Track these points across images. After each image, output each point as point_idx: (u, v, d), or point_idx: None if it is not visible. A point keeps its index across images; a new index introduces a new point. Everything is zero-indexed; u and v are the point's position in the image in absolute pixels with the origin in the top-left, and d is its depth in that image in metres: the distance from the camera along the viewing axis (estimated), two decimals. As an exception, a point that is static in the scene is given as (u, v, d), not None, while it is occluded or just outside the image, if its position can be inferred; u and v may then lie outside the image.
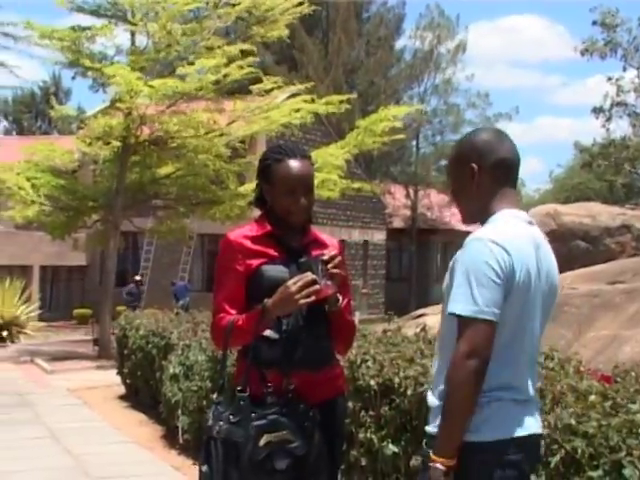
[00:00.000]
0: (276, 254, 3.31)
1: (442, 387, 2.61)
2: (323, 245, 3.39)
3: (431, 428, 2.67)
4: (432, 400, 2.70)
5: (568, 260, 13.56)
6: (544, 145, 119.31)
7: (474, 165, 2.74)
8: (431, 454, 2.59)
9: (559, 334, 9.89)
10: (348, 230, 34.43)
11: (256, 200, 3.43)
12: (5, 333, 23.14)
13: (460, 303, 2.55)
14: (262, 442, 3.09)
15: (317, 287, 3.11)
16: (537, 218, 14.30)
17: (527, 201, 58.59)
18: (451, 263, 2.72)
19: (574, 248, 14.04)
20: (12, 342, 22.88)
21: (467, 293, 2.54)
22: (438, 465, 2.54)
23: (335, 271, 3.16)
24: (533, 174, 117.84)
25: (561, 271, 10.20)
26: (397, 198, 42.04)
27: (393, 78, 42.48)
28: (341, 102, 19.85)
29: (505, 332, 2.58)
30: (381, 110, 20.08)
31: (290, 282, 3.11)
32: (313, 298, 3.12)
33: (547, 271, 2.73)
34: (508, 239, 2.60)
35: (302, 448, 3.15)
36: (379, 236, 37.77)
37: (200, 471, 3.24)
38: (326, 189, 18.93)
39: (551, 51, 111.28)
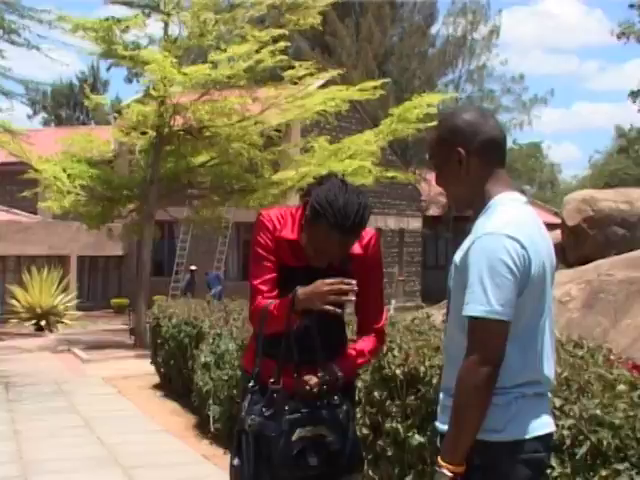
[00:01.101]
0: (295, 261, 3.23)
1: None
2: (350, 257, 3.26)
3: (441, 425, 2.58)
4: (444, 399, 2.60)
5: (605, 247, 13.34)
6: (582, 131, 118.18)
7: (460, 149, 2.59)
8: (438, 458, 2.49)
9: (595, 321, 9.74)
10: (384, 218, 34.28)
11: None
12: (43, 322, 23.40)
13: (474, 304, 2.43)
14: (295, 437, 3.02)
15: (345, 298, 3.04)
16: (573, 204, 14.10)
17: (565, 187, 58.06)
18: (457, 258, 2.59)
19: (611, 234, 13.79)
20: (50, 331, 23.12)
21: (481, 293, 2.41)
22: (445, 471, 2.44)
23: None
24: (570, 160, 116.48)
25: (598, 257, 10.02)
26: (433, 185, 41.76)
27: (427, 64, 42.19)
28: (375, 88, 19.70)
29: (524, 325, 2.48)
30: (415, 97, 19.92)
31: (327, 281, 3.02)
32: (337, 311, 3.05)
33: (548, 251, 2.60)
34: (520, 230, 2.47)
35: (337, 443, 3.08)
36: (415, 224, 37.60)
37: (231, 464, 3.17)
38: (360, 176, 18.82)
39: (588, 36, 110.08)
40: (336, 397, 3.13)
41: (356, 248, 3.27)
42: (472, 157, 2.59)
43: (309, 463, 3.04)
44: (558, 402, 3.02)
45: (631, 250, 12.28)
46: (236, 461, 3.14)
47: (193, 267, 25.60)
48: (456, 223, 39.55)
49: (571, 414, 2.96)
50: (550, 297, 2.59)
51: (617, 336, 8.67)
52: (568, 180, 70.04)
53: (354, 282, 3.04)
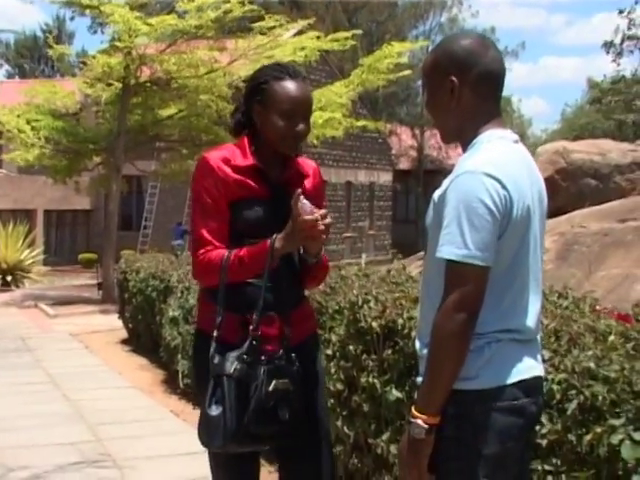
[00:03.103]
0: (258, 190, 3.02)
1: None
2: (304, 176, 3.14)
3: (420, 378, 2.41)
4: (421, 349, 2.43)
5: (578, 198, 13.25)
6: (549, 85, 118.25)
7: (454, 78, 2.39)
8: (412, 409, 2.32)
9: (569, 273, 9.65)
10: (354, 171, 34.08)
11: (237, 124, 3.13)
12: (9, 278, 23.07)
13: (450, 246, 2.25)
14: (271, 387, 2.87)
15: (321, 228, 2.86)
16: (546, 156, 13.97)
17: (535, 141, 58.10)
18: (435, 195, 2.41)
19: (584, 186, 13.69)
20: (17, 287, 22.82)
21: (457, 235, 2.23)
22: (420, 422, 2.27)
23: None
24: (539, 114, 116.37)
25: (571, 209, 9.89)
26: (403, 139, 41.66)
27: (398, 17, 41.80)
28: (346, 39, 19.40)
29: (502, 270, 2.30)
30: (385, 47, 19.62)
31: (303, 217, 2.83)
32: (316, 237, 2.88)
33: (539, 191, 2.43)
34: (502, 169, 2.27)
35: (299, 399, 2.96)
36: (385, 177, 37.41)
37: (206, 415, 2.87)
38: (330, 128, 18.57)
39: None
40: (293, 354, 2.98)
41: (308, 167, 3.18)
42: (465, 88, 2.39)
43: (280, 417, 2.89)
44: (547, 354, 2.85)
45: (604, 202, 12.20)
46: (215, 410, 2.85)
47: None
48: (426, 177, 39.50)
49: (562, 367, 2.79)
50: (537, 242, 2.40)
51: (591, 287, 8.57)
52: (538, 134, 70.07)
53: (327, 215, 2.90)
